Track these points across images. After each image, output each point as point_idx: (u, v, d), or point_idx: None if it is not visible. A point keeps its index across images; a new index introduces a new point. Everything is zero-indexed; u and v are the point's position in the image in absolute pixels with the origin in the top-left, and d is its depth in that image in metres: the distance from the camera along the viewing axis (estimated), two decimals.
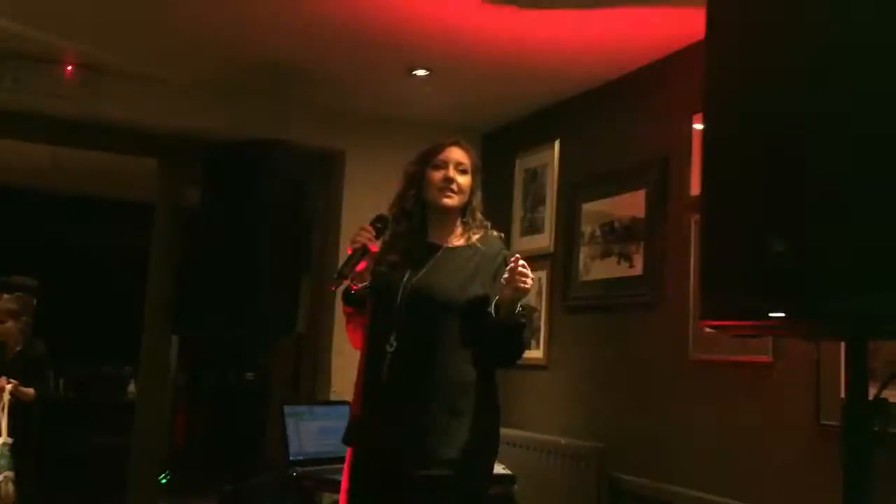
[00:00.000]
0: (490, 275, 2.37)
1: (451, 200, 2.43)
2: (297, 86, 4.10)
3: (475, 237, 2.45)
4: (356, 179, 4.50)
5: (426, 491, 2.26)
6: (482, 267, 2.39)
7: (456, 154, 2.46)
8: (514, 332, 2.31)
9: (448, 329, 2.32)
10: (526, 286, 2.22)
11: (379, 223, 2.44)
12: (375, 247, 2.40)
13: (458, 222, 2.47)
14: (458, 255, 2.41)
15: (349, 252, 2.40)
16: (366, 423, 2.36)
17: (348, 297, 2.47)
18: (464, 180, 2.44)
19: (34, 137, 4.44)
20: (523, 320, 2.31)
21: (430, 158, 2.46)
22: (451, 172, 2.42)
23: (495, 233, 2.52)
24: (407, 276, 2.37)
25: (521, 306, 2.28)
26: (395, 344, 2.31)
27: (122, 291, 5.98)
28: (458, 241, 2.45)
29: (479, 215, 2.49)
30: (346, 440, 2.45)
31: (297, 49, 3.66)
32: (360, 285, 2.43)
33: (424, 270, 2.38)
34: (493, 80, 3.92)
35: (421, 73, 3.85)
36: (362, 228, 2.42)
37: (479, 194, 2.51)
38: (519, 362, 2.45)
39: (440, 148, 2.47)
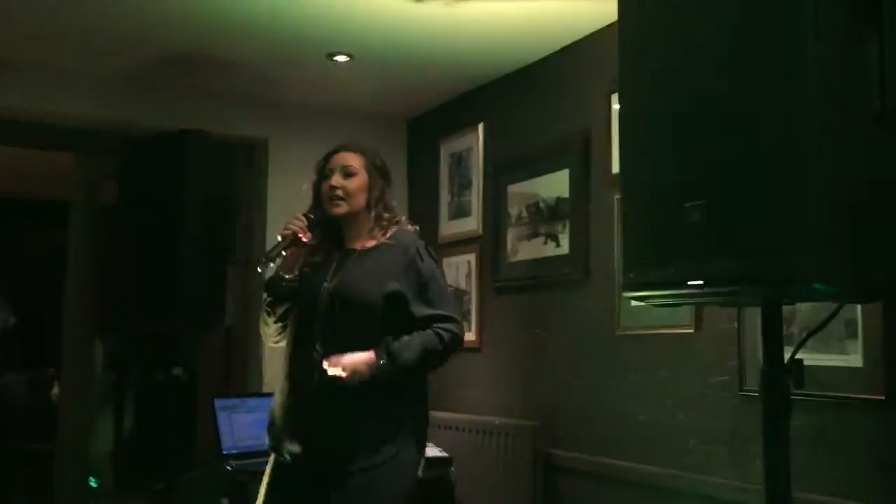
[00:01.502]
0: (402, 268, 2.38)
1: (339, 209, 2.44)
2: (215, 75, 4.02)
3: (385, 236, 2.45)
4: (280, 168, 4.44)
5: (360, 481, 2.27)
6: (394, 262, 2.39)
7: (341, 159, 2.47)
8: (403, 374, 2.31)
9: (370, 330, 2.32)
10: (347, 376, 2.23)
11: (312, 215, 2.43)
12: (306, 237, 2.39)
13: (370, 223, 2.47)
14: (370, 256, 2.42)
15: (280, 238, 2.39)
16: (293, 428, 2.34)
17: (273, 288, 2.44)
18: (351, 183, 2.44)
19: None
20: (391, 368, 2.28)
21: (321, 170, 2.49)
22: (335, 179, 2.43)
23: (410, 227, 2.53)
24: (326, 281, 2.39)
25: (384, 360, 2.27)
26: (320, 350, 2.30)
27: (39, 292, 5.79)
28: (370, 242, 2.46)
29: (386, 213, 2.48)
30: (271, 447, 2.44)
31: (213, 37, 3.58)
32: (289, 276, 2.42)
33: (340, 274, 2.39)
34: (416, 65, 3.91)
35: (342, 59, 3.82)
36: (295, 217, 2.42)
37: (380, 192, 2.49)
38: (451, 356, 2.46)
39: (327, 157, 2.50)
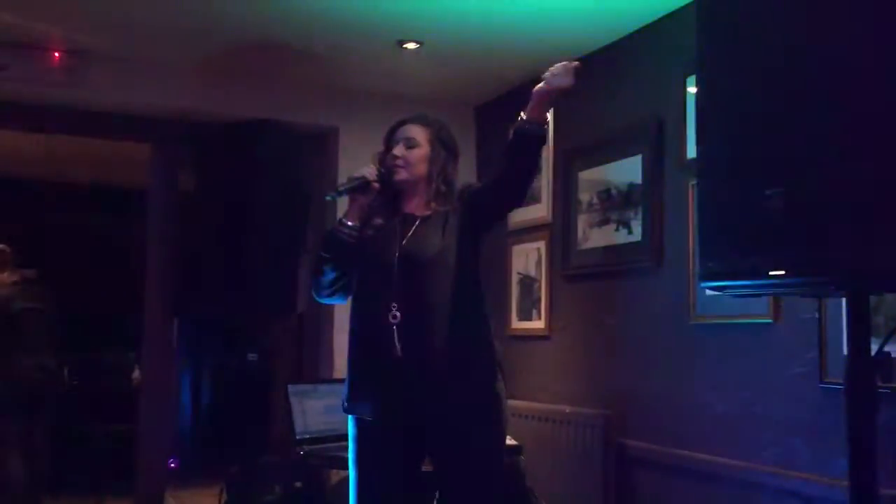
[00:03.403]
0: (459, 209, 2.45)
1: (399, 175, 2.48)
2: (286, 63, 4.06)
3: (438, 202, 2.49)
4: (350, 156, 4.46)
5: (455, 432, 2.34)
6: (452, 215, 2.45)
7: (407, 130, 2.53)
8: (533, 143, 2.33)
9: (446, 287, 2.37)
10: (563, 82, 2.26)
11: (384, 169, 2.48)
12: (375, 185, 2.45)
13: (430, 194, 2.50)
14: (432, 222, 2.46)
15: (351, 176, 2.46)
16: (378, 392, 2.38)
17: (333, 235, 2.47)
18: (412, 154, 2.48)
19: (24, 126, 4.41)
20: (543, 131, 2.34)
21: (387, 139, 2.56)
22: (398, 150, 2.49)
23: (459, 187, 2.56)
24: (396, 245, 2.42)
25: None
26: (398, 315, 2.34)
27: (122, 277, 5.97)
28: (429, 211, 2.49)
29: (443, 187, 2.50)
30: (349, 410, 2.48)
31: (285, 26, 3.62)
32: (350, 223, 2.45)
33: (408, 237, 2.43)
34: (484, 51, 3.88)
35: (411, 46, 3.82)
36: (369, 164, 2.49)
37: (441, 163, 2.50)
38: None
39: (393, 128, 2.56)
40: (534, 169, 2.40)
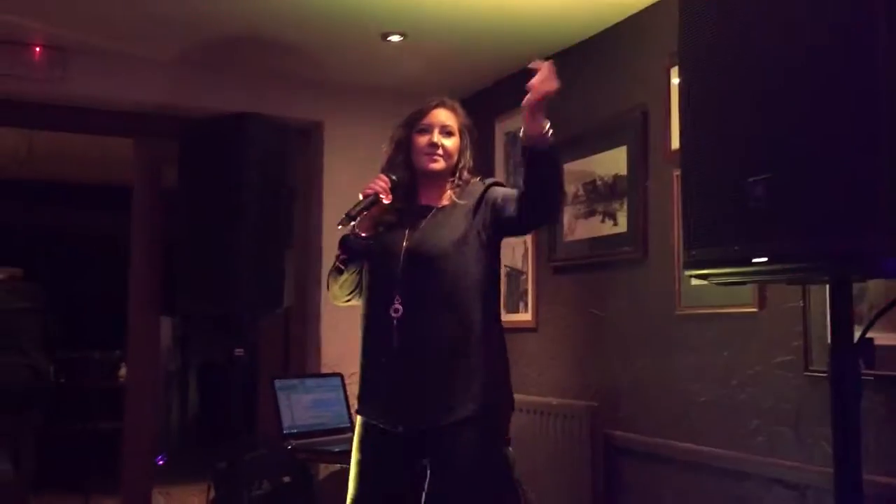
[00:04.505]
0: (476, 208, 2.37)
1: (437, 165, 2.41)
2: (270, 57, 4.05)
3: (459, 196, 2.41)
4: (336, 150, 4.46)
5: (449, 436, 2.26)
6: (468, 210, 2.38)
7: (441, 116, 2.43)
8: (541, 159, 2.17)
9: (453, 282, 2.30)
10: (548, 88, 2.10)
11: (394, 176, 2.40)
12: (388, 198, 2.36)
13: (448, 183, 2.44)
14: (448, 213, 2.39)
15: (361, 197, 2.36)
16: (377, 389, 2.35)
17: (349, 245, 2.41)
18: (450, 142, 2.42)
19: (5, 123, 4.37)
20: (546, 144, 2.16)
21: (415, 123, 2.44)
22: (436, 137, 2.40)
23: (476, 179, 2.49)
24: (404, 240, 2.36)
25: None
26: (399, 309, 2.29)
27: (106, 275, 5.95)
28: (445, 201, 2.43)
29: (466, 175, 2.46)
30: (358, 410, 2.44)
31: (268, 19, 3.60)
32: (364, 234, 2.39)
33: (418, 233, 2.36)
34: (469, 43, 3.87)
35: (395, 38, 3.80)
36: (378, 177, 2.39)
37: (468, 153, 2.47)
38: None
39: (424, 111, 2.44)
40: (550, 184, 2.22)
